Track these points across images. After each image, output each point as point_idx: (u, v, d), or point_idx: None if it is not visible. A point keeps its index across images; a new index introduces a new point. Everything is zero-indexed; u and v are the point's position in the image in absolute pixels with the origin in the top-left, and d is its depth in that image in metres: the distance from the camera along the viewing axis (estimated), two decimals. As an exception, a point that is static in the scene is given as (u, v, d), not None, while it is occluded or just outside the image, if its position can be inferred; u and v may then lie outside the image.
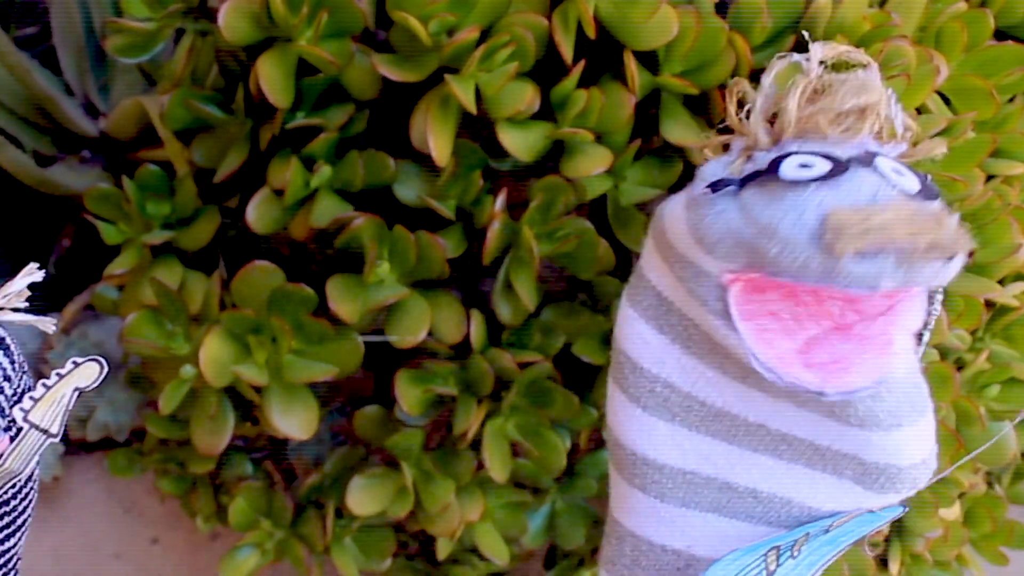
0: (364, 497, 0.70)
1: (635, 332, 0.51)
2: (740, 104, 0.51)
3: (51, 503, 0.96)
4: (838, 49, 0.47)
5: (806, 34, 0.54)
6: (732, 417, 0.49)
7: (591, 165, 0.62)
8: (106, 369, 0.46)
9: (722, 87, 0.60)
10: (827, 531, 0.50)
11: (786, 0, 0.60)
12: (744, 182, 0.45)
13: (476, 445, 0.68)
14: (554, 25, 0.60)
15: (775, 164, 0.44)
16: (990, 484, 0.73)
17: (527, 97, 0.61)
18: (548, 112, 0.63)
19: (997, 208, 0.60)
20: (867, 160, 0.43)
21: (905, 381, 0.45)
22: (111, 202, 0.72)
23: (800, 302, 0.45)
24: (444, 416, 0.70)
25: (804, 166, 0.43)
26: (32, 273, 0.44)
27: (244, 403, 0.70)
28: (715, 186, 0.45)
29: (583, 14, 0.59)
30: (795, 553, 0.50)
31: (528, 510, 0.73)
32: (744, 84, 0.52)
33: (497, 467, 0.67)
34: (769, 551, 0.49)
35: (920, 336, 0.47)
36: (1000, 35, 0.63)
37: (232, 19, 0.63)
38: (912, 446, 0.47)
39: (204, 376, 0.65)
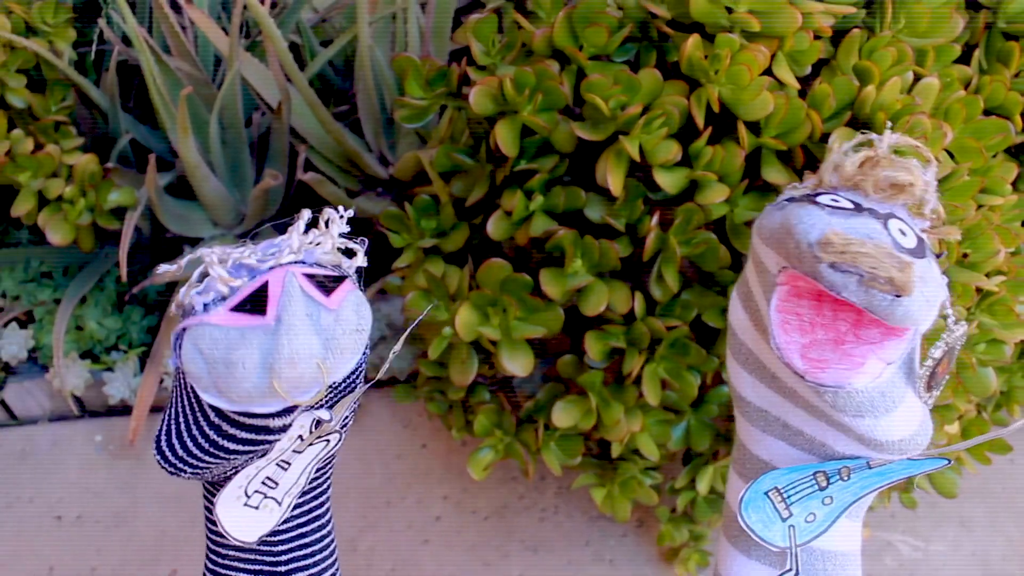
0: (563, 415, 0.77)
1: (735, 316, 0.54)
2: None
3: (355, 421, 1.06)
4: (910, 141, 0.48)
5: (888, 131, 0.52)
6: (783, 382, 0.51)
7: (715, 196, 0.69)
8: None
9: (802, 146, 0.69)
10: (870, 467, 0.50)
11: (845, 87, 0.68)
12: (792, 199, 0.46)
13: (638, 381, 0.74)
14: (691, 103, 0.68)
15: (816, 194, 0.46)
16: (979, 411, 0.77)
17: (673, 151, 0.69)
18: (687, 160, 0.70)
19: (984, 226, 0.67)
20: (883, 216, 0.43)
21: (871, 390, 0.45)
22: (397, 220, 0.82)
23: (821, 314, 0.45)
24: (617, 362, 0.76)
25: (835, 200, 0.44)
26: (361, 246, 0.47)
27: (484, 352, 0.79)
28: (777, 203, 0.47)
29: (711, 96, 0.68)
30: (844, 477, 0.50)
31: (672, 425, 0.78)
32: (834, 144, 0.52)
33: (652, 395, 0.74)
34: (816, 473, 0.51)
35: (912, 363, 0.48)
36: (987, 112, 0.69)
37: (478, 98, 0.71)
38: (881, 431, 0.47)
39: (458, 334, 0.74)
